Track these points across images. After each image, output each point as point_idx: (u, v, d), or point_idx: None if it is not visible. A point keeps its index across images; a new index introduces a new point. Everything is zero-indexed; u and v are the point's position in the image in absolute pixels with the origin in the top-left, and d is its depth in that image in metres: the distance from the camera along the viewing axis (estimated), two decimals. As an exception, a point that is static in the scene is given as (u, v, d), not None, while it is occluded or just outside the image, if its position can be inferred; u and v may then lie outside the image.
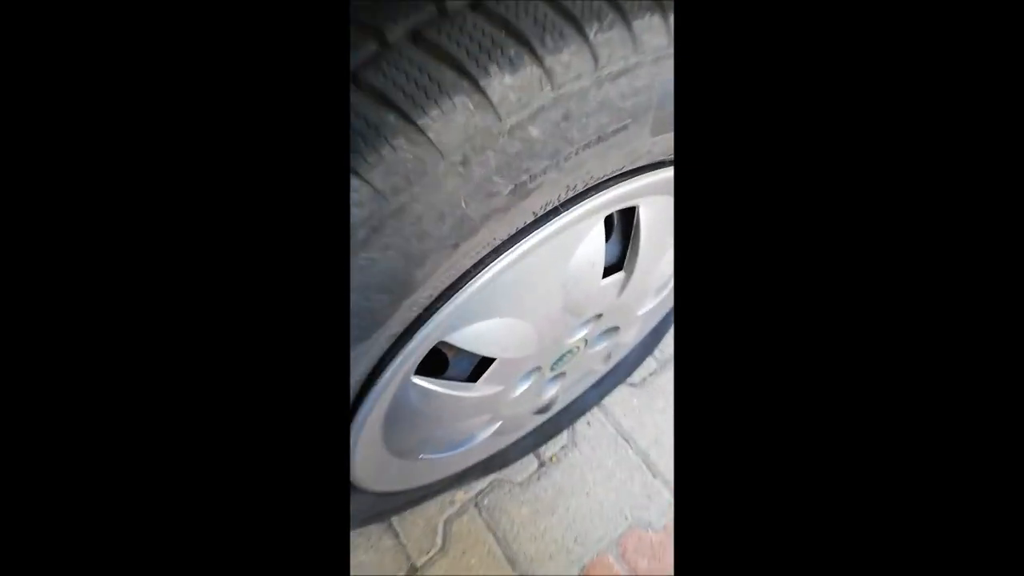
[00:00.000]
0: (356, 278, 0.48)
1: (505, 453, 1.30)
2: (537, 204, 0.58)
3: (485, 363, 0.83)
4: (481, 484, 1.34)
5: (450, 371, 0.85)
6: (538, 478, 1.34)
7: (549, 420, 1.30)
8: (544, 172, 0.54)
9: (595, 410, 1.46)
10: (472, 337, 0.71)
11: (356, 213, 0.43)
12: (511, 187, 0.51)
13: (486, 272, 0.62)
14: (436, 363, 0.82)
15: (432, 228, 0.49)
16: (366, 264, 0.48)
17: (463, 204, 0.48)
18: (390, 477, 0.97)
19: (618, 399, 1.45)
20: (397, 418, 0.79)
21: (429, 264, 0.53)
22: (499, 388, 0.89)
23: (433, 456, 1.02)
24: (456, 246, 0.53)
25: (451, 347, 0.75)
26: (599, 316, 0.94)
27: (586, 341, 1.00)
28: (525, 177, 0.52)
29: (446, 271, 0.56)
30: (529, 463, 1.39)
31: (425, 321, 0.63)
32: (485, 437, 1.06)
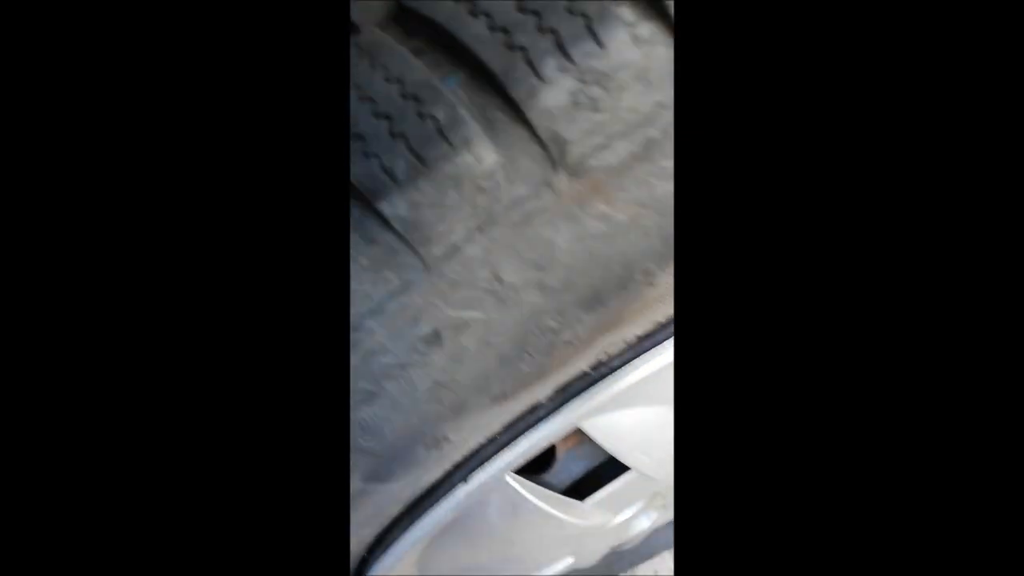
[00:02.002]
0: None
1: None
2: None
3: (602, 475, 0.68)
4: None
5: (546, 478, 0.72)
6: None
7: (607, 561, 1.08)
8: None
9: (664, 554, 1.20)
10: (617, 430, 0.57)
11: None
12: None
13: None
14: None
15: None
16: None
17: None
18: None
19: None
20: (457, 531, 0.66)
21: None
22: (608, 515, 0.74)
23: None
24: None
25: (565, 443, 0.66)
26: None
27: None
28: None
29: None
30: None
31: (575, 395, 0.50)
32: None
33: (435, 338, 0.42)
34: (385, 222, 0.39)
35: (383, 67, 0.40)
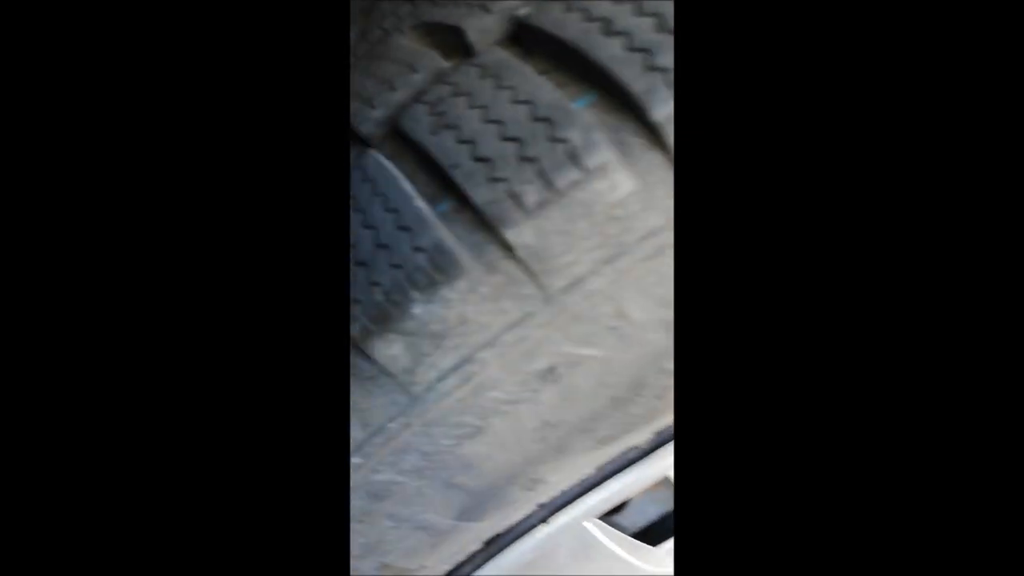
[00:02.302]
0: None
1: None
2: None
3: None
4: None
5: (618, 519, 0.69)
6: None
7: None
8: None
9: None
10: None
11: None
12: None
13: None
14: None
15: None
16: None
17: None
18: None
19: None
20: (524, 570, 0.62)
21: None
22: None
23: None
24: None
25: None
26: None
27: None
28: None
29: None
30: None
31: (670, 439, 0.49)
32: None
33: (549, 374, 0.39)
34: (509, 250, 0.37)
35: (510, 88, 0.38)
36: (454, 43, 0.49)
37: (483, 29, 0.46)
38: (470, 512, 0.47)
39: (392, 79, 0.48)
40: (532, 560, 0.60)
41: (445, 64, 0.46)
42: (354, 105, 0.51)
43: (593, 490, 0.54)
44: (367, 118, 0.47)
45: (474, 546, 0.57)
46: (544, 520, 0.56)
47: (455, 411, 0.40)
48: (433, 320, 0.38)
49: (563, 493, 0.54)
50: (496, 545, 0.58)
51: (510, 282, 0.37)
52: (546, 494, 0.49)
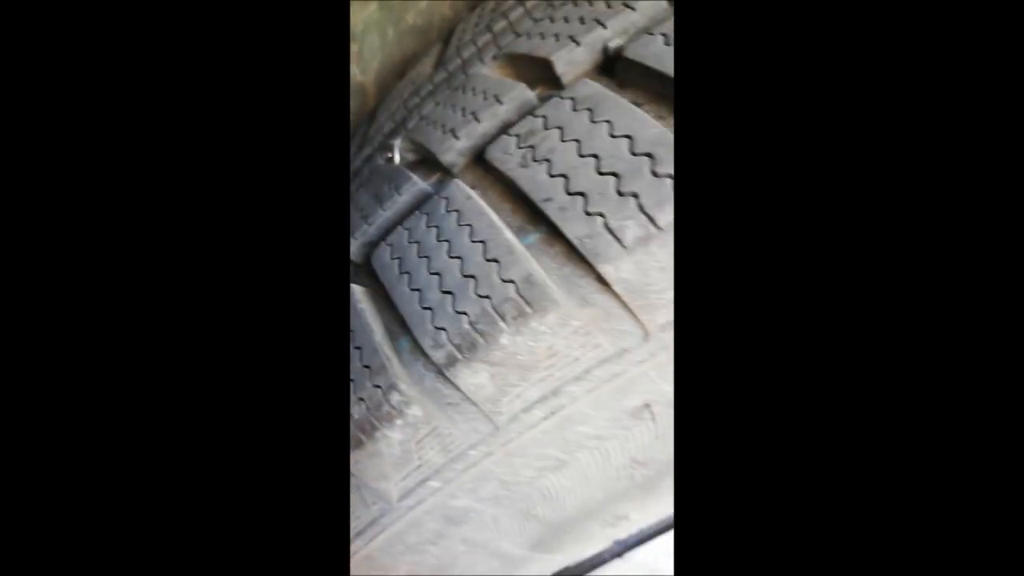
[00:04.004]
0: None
1: None
2: None
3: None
4: None
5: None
6: None
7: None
8: None
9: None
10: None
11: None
12: None
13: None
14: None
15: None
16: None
17: None
18: None
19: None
20: None
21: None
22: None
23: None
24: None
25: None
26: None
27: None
28: None
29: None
30: None
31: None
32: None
33: (644, 412, 0.39)
34: (603, 283, 0.36)
35: (607, 122, 0.38)
36: (539, 75, 0.50)
37: (572, 61, 0.47)
38: (546, 544, 0.46)
39: (477, 110, 0.48)
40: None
41: (531, 95, 0.47)
42: (436, 133, 0.52)
43: (671, 529, 0.52)
44: (450, 148, 0.48)
45: (541, 577, 0.56)
46: (619, 555, 0.55)
47: (539, 443, 0.40)
48: (521, 351, 0.37)
49: (641, 531, 0.52)
50: (562, 574, 0.57)
51: (605, 317, 0.37)
52: (626, 531, 0.48)
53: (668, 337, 0.36)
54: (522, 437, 0.40)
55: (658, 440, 0.39)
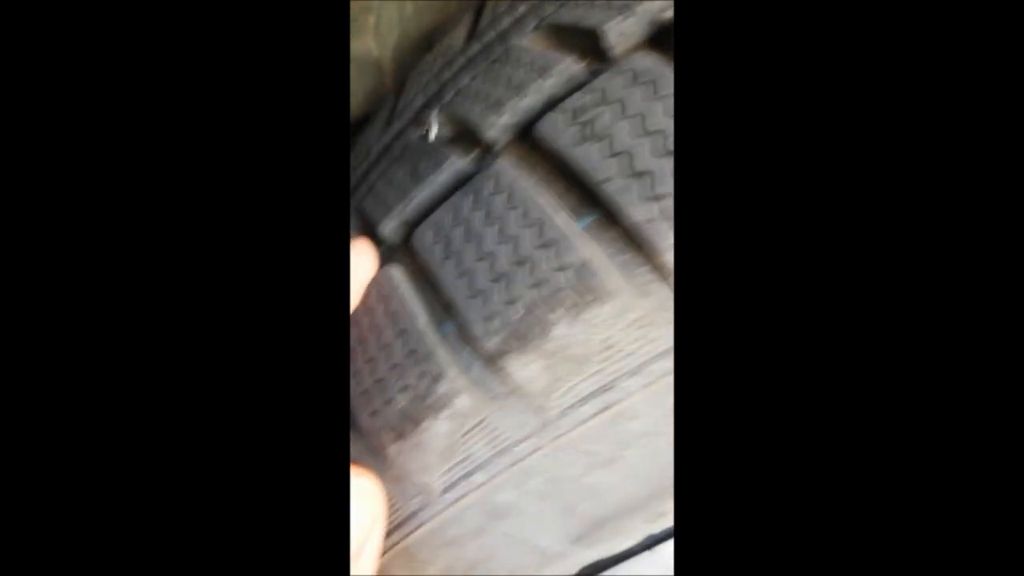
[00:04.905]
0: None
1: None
2: None
3: None
4: None
5: None
6: None
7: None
8: None
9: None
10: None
11: None
12: None
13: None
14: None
15: None
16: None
17: None
18: None
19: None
20: None
21: None
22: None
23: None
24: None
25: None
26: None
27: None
28: None
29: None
30: None
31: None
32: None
33: (700, 408, 0.37)
34: (662, 272, 0.34)
35: (668, 97, 0.36)
36: (586, 46, 0.47)
37: (623, 32, 0.44)
38: (585, 538, 0.45)
39: (521, 84, 0.46)
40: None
41: (579, 68, 0.44)
42: (476, 108, 0.49)
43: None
44: (493, 124, 0.46)
45: (573, 570, 0.55)
46: (649, 548, 0.54)
47: (589, 439, 0.38)
48: (575, 343, 0.36)
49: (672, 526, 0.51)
50: (593, 567, 0.56)
51: (663, 308, 0.35)
52: (661, 526, 0.47)
53: (734, 331, 0.34)
54: (572, 432, 0.38)
55: (715, 437, 0.38)
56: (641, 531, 0.48)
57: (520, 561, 0.47)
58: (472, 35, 0.62)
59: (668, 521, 0.47)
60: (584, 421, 0.37)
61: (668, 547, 0.54)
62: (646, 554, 0.55)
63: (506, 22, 0.57)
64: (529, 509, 0.42)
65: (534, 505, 0.42)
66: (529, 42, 0.51)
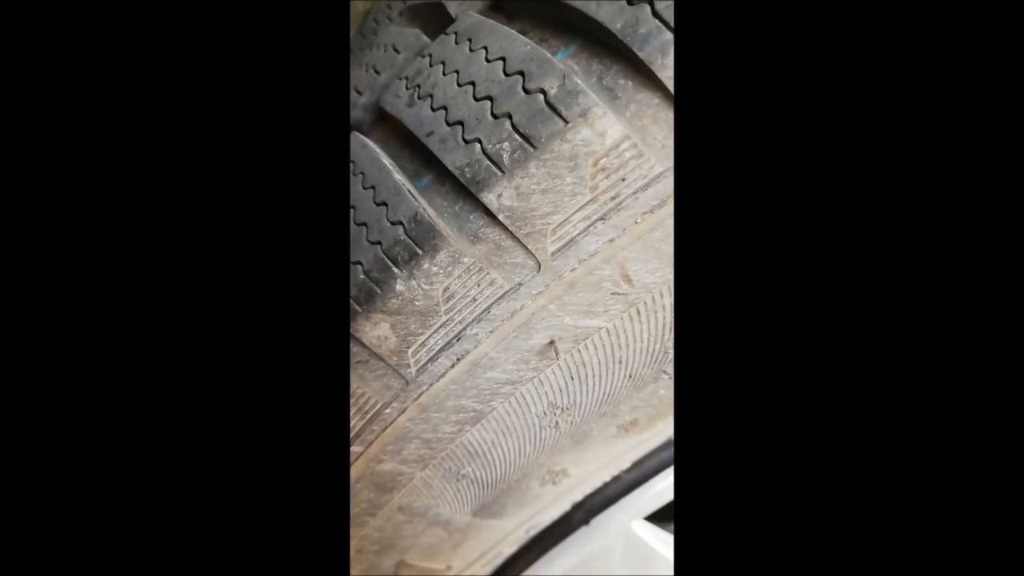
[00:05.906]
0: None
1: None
2: None
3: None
4: None
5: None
6: None
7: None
8: None
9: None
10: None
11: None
12: None
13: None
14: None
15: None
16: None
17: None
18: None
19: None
20: None
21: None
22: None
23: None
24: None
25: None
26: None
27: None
28: None
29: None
30: None
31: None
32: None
33: (550, 350, 0.36)
34: (490, 216, 0.34)
35: (483, 48, 0.36)
36: (439, 23, 0.48)
37: (463, 3, 0.45)
38: (488, 508, 0.44)
39: (376, 63, 0.47)
40: (580, 567, 0.56)
41: (426, 40, 0.45)
42: (353, 95, 0.50)
43: (637, 488, 0.50)
44: (355, 104, 0.46)
45: (509, 549, 0.54)
46: (585, 522, 0.52)
47: (452, 394, 0.38)
48: (417, 296, 0.36)
49: (597, 491, 0.50)
50: (535, 549, 0.55)
51: (495, 251, 0.35)
52: (578, 490, 0.46)
53: (560, 266, 0.34)
54: (433, 389, 0.37)
55: (573, 381, 0.37)
56: (552, 496, 0.47)
57: (428, 539, 0.46)
58: (359, 32, 0.64)
59: (576, 484, 0.46)
60: (442, 375, 0.37)
61: (608, 519, 0.52)
62: (584, 529, 0.54)
63: (382, 12, 0.59)
64: (415, 477, 0.41)
65: (418, 472, 0.41)
66: (394, 26, 0.52)
